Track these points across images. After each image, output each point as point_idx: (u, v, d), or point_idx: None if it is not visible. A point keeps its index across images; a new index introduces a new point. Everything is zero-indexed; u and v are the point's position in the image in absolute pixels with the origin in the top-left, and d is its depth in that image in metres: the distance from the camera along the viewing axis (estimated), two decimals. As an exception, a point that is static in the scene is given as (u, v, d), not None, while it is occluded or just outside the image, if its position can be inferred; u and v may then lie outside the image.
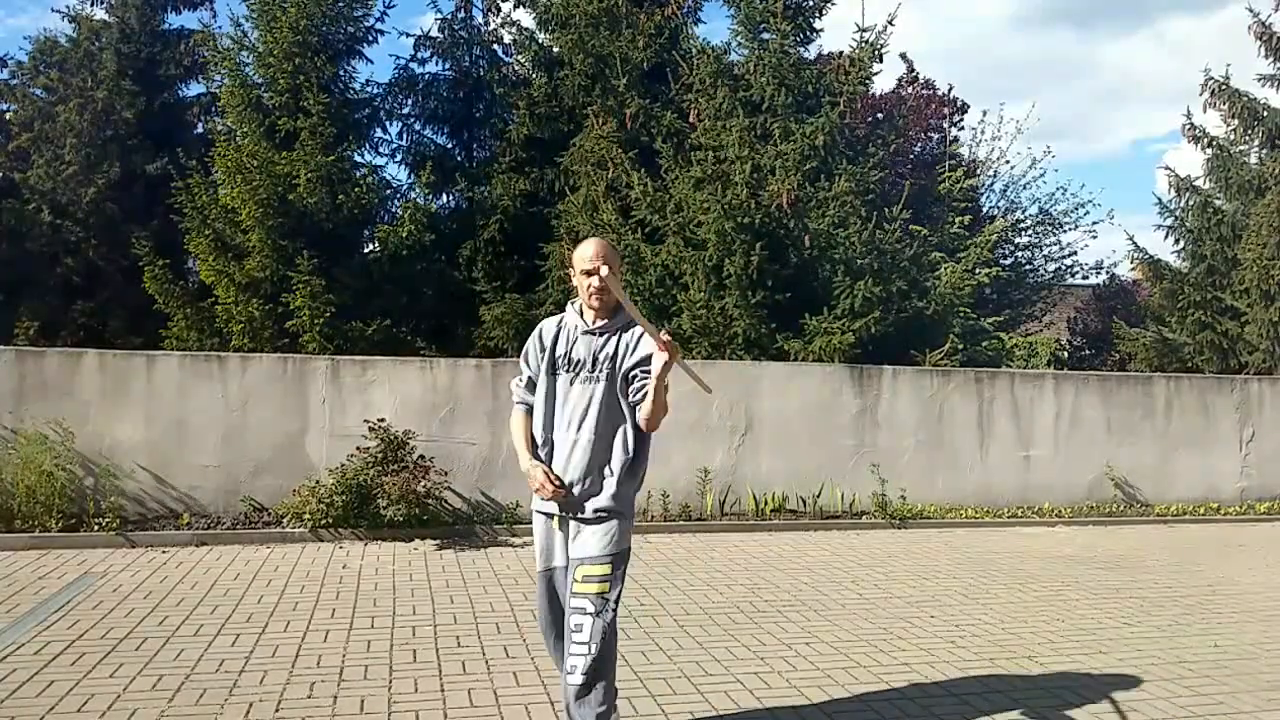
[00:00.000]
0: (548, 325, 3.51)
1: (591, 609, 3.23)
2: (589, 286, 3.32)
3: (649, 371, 3.23)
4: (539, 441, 3.41)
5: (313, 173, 10.84)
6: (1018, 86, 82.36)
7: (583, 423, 3.33)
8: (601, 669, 3.24)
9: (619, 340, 3.36)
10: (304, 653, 4.57)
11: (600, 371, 3.34)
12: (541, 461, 3.38)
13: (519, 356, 3.59)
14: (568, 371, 3.39)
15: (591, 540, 3.30)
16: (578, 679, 3.21)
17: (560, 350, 3.41)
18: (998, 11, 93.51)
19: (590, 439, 3.31)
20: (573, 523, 3.34)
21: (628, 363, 3.32)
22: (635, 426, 3.35)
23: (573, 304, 3.49)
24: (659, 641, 4.87)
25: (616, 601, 3.31)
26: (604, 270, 3.22)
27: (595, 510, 3.30)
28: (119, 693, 3.98)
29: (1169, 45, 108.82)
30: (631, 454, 3.35)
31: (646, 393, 3.24)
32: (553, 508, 3.37)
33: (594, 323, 3.39)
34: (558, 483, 3.30)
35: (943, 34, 75.68)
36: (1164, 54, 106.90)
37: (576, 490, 3.30)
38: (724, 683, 4.27)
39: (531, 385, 3.49)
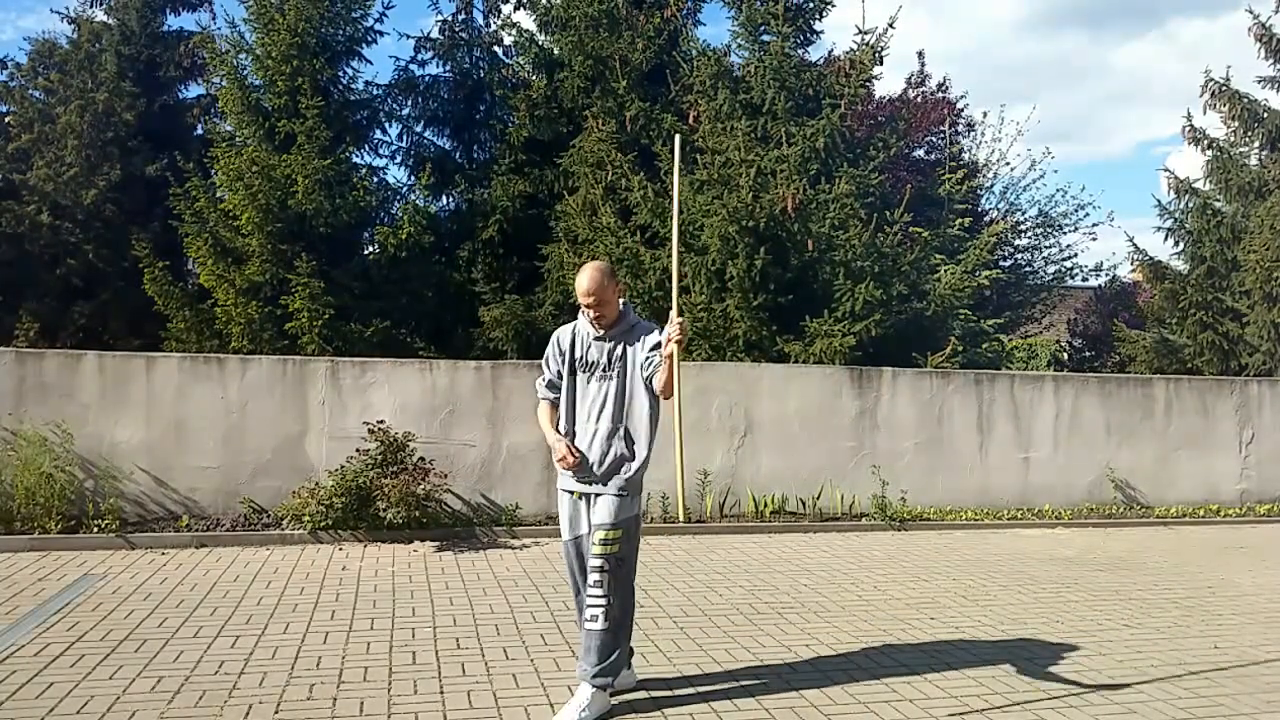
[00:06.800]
0: (564, 333, 4.11)
1: (607, 567, 3.81)
2: (588, 312, 3.95)
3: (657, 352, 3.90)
4: (563, 432, 4.01)
5: (310, 176, 10.83)
6: (1023, 88, 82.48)
7: (600, 414, 3.94)
8: (621, 622, 3.86)
9: (624, 343, 3.99)
10: (303, 654, 4.57)
11: (613, 370, 3.97)
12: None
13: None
14: (584, 371, 4.01)
15: (605, 510, 3.88)
16: (599, 625, 3.78)
17: (578, 354, 4.03)
18: (1004, 14, 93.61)
19: (608, 428, 3.92)
20: (593, 497, 3.93)
21: (640, 355, 3.94)
22: (647, 417, 3.94)
23: (584, 314, 4.01)
24: (658, 643, 4.87)
25: (630, 565, 3.92)
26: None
27: (610, 487, 3.90)
28: (119, 694, 3.98)
29: (1178, 47, 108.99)
30: (639, 440, 3.94)
31: (657, 366, 3.87)
32: (575, 485, 3.95)
33: (600, 330, 3.98)
34: (578, 454, 3.91)
35: (946, 36, 75.80)
36: (1172, 56, 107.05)
37: (597, 471, 3.90)
38: (723, 684, 4.27)
39: (552, 384, 4.09)
